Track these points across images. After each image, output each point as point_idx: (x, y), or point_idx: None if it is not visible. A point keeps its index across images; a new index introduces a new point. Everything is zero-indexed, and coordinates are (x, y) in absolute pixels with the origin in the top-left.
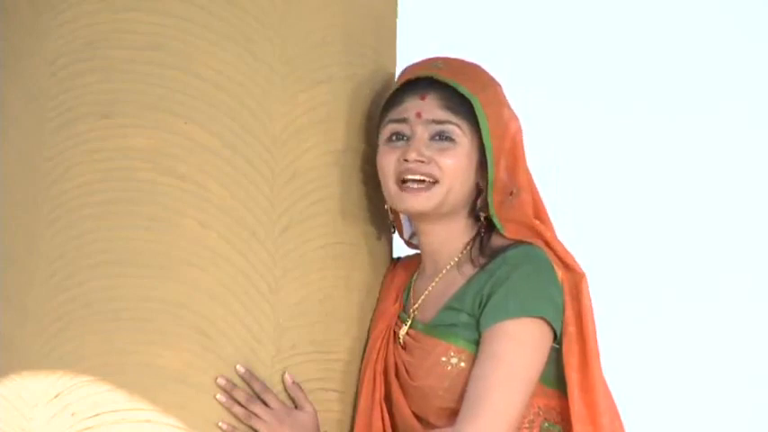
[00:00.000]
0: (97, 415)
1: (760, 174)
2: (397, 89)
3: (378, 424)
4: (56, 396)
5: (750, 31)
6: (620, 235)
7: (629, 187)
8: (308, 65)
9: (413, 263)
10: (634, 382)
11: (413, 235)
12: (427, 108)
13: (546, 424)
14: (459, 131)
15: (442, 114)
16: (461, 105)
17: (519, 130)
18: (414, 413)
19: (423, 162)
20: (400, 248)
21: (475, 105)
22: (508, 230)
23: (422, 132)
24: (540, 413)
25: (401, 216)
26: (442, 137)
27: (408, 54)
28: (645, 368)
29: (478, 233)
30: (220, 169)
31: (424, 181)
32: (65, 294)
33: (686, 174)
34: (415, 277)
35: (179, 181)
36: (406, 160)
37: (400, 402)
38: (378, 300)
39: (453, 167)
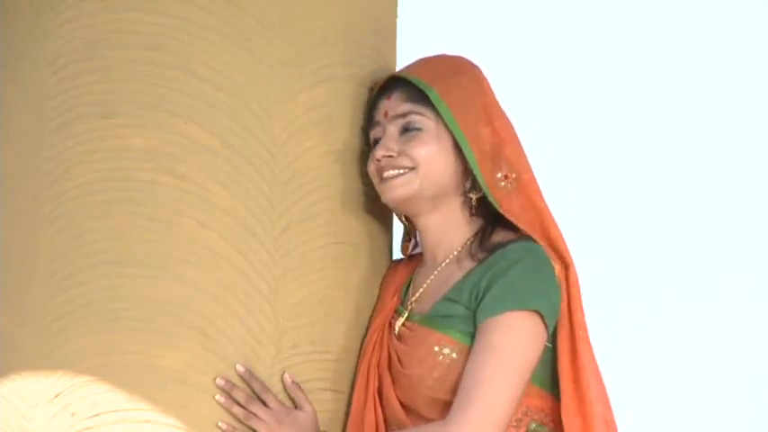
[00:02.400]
0: (97, 415)
1: (760, 174)
2: (374, 97)
3: (370, 417)
4: (56, 396)
5: (750, 31)
6: (620, 235)
7: (628, 187)
8: (309, 65)
9: (414, 262)
10: (634, 382)
11: (416, 245)
12: (393, 106)
13: (533, 424)
14: (424, 118)
15: (404, 107)
16: (425, 97)
17: (499, 116)
18: (402, 404)
19: (392, 157)
20: (399, 249)
21: (431, 95)
22: (504, 208)
23: (392, 130)
24: (529, 413)
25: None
26: (409, 128)
27: (408, 54)
28: (645, 368)
29: (481, 229)
30: (220, 169)
31: (400, 174)
32: (64, 294)
33: (686, 174)
34: (415, 273)
35: (179, 181)
36: (378, 160)
37: (390, 393)
38: (377, 298)
39: (424, 154)
